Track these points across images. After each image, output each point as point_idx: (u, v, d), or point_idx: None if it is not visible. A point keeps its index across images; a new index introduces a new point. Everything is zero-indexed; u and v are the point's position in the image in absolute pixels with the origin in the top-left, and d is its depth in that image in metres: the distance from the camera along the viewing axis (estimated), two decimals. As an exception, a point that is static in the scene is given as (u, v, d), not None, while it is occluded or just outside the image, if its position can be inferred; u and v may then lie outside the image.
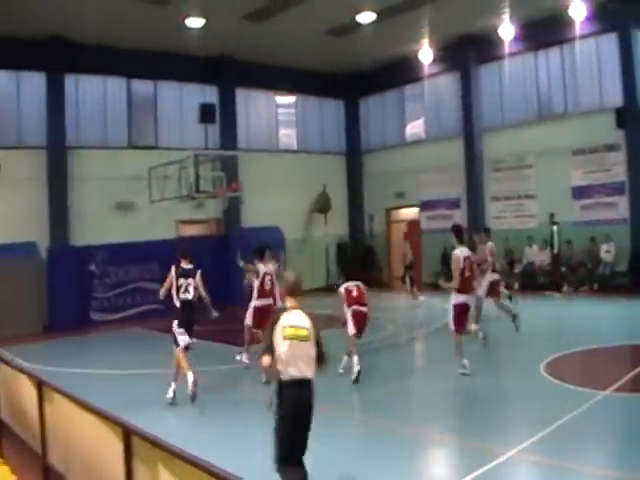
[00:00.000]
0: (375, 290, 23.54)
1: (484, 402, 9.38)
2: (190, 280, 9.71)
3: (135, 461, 4.18)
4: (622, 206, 19.05)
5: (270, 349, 5.59)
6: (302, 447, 5.58)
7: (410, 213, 25.37)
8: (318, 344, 5.68)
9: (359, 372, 10.24)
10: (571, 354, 11.18)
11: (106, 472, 4.64)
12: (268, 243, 12.72)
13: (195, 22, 18.56)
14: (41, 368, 10.94)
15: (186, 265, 9.81)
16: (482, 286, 12.81)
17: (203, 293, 9.94)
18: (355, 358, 10.35)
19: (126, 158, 20.49)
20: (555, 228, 19.51)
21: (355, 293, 10.73)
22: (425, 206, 24.55)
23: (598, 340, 11.81)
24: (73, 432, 5.37)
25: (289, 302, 5.85)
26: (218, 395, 10.15)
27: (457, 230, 11.11)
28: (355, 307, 10.64)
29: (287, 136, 25.65)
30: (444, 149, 23.54)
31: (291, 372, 5.50)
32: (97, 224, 19.60)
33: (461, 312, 10.66)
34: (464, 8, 18.58)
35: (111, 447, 4.44)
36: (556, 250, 19.64)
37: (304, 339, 5.55)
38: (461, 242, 10.98)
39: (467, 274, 10.64)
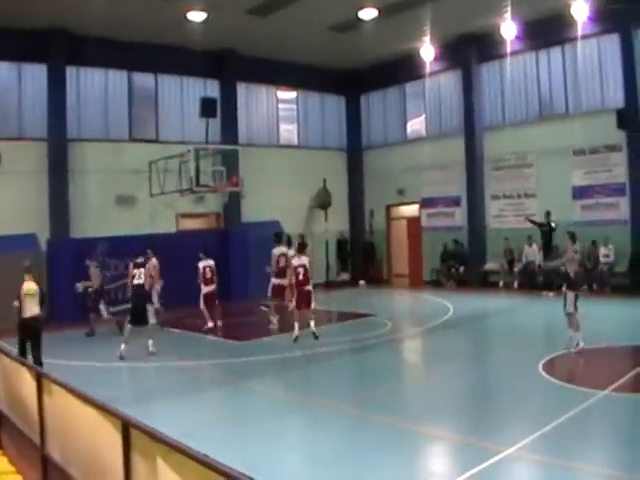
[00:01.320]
0: (374, 287, 23.81)
1: (482, 400, 9.41)
2: (142, 270, 13.00)
3: (134, 454, 4.17)
4: (623, 207, 19.04)
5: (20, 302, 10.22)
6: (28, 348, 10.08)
7: (410, 210, 25.37)
8: (42, 295, 10.38)
9: (297, 337, 13.14)
10: (569, 353, 11.18)
11: (105, 464, 4.64)
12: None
13: (197, 16, 18.54)
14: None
15: (139, 260, 13.18)
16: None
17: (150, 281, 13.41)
18: (296, 325, 13.19)
19: (127, 151, 20.49)
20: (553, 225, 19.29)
21: (301, 277, 13.40)
22: (426, 203, 24.55)
23: (597, 340, 11.79)
24: (72, 424, 5.37)
25: (26, 277, 10.26)
26: (223, 386, 10.18)
27: (277, 235, 16.02)
28: (300, 288, 13.37)
29: (288, 131, 25.60)
30: (445, 147, 23.53)
31: (29, 312, 10.05)
32: (97, 217, 19.59)
33: (279, 289, 15.13)
34: (466, 6, 18.59)
35: (110, 439, 4.44)
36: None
37: (34, 295, 10.18)
38: (279, 243, 15.62)
39: (281, 265, 14.90)
